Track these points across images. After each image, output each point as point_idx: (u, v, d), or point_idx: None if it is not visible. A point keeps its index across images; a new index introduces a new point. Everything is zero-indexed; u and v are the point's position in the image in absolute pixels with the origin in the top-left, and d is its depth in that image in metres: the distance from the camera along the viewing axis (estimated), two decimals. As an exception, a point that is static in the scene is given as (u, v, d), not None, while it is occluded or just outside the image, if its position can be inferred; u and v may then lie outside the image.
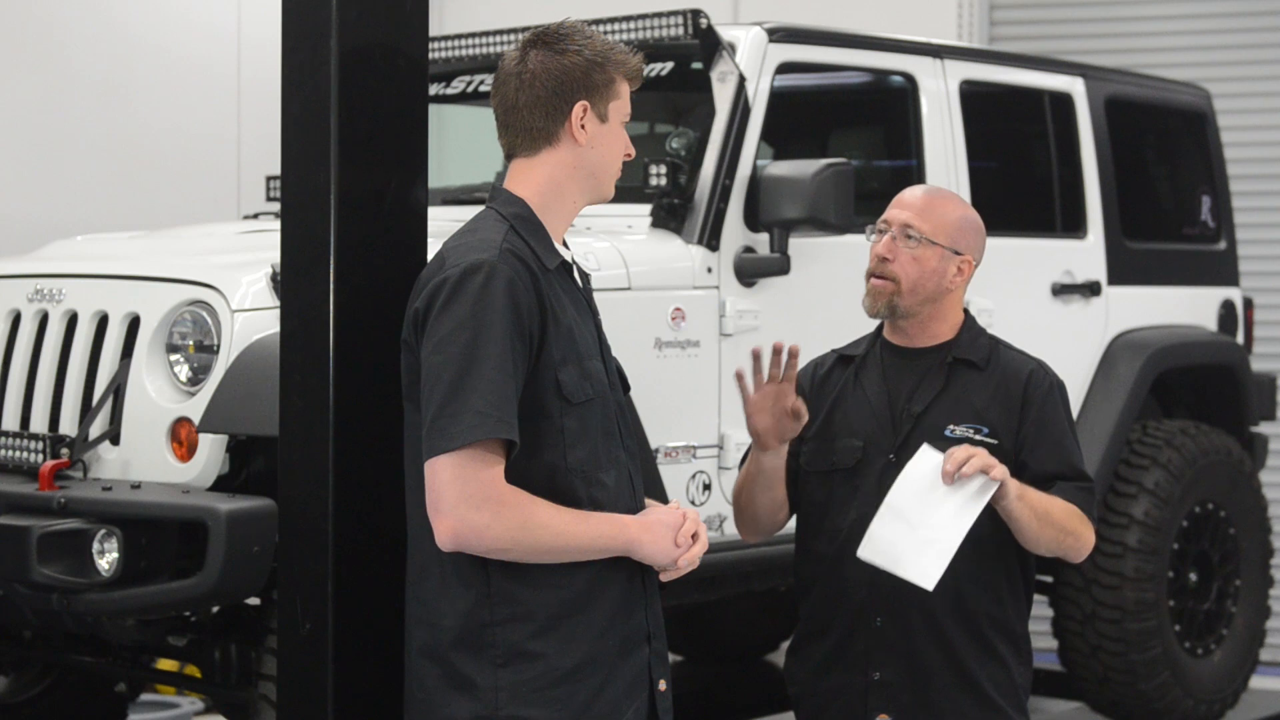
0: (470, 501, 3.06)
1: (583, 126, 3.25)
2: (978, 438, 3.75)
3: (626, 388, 3.43)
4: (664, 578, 3.31)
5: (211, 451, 4.41)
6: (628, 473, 3.29)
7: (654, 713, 3.28)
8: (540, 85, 3.24)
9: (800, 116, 6.01)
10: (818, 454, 3.85)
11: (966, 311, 3.91)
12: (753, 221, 5.22)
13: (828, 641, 3.81)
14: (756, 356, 3.67)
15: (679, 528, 3.25)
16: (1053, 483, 3.76)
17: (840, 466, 3.81)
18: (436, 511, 3.10)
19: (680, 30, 5.25)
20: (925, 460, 3.62)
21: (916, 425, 3.77)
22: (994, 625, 3.77)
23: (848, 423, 3.83)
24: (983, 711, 3.75)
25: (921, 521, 3.58)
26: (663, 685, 3.29)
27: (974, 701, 3.75)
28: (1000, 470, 3.58)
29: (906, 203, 3.86)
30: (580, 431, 3.20)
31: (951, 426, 3.76)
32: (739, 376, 3.69)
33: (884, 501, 3.63)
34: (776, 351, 3.64)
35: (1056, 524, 3.70)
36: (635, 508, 3.29)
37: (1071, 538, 3.73)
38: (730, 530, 5.15)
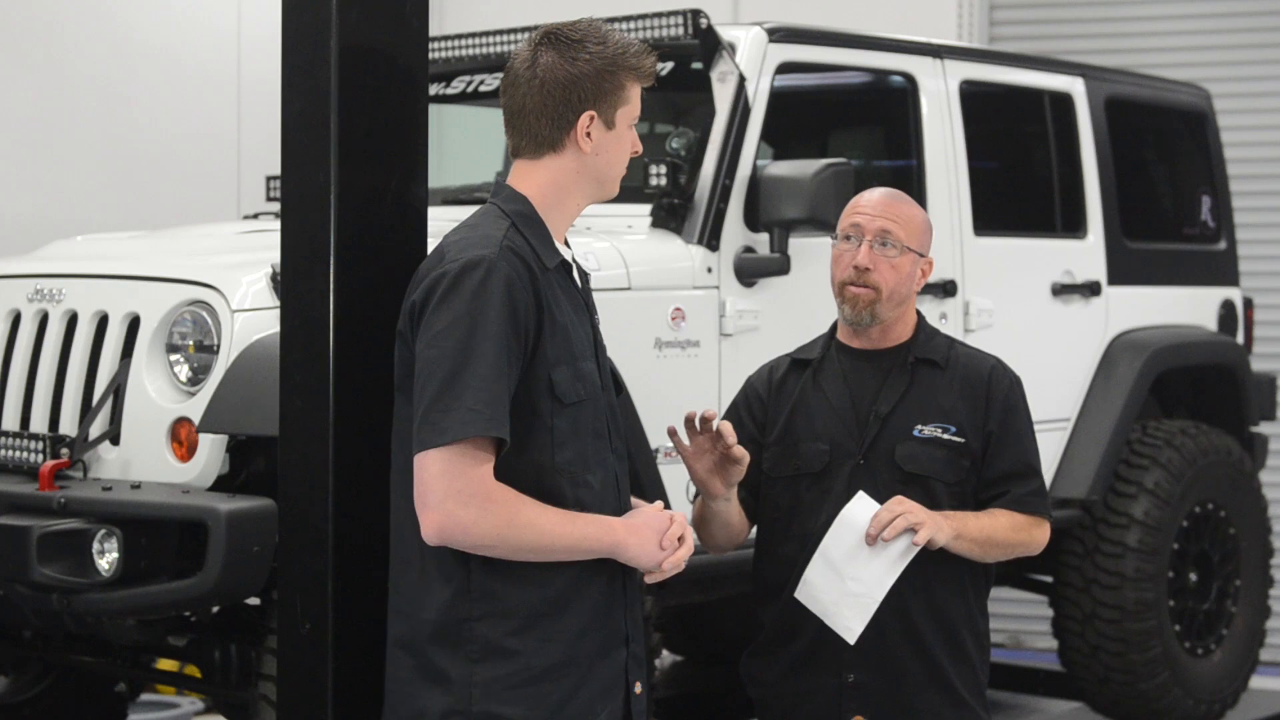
0: (458, 497, 3.06)
1: (588, 135, 3.24)
2: (945, 436, 3.78)
3: (620, 389, 3.42)
4: (648, 580, 3.31)
5: (211, 451, 4.41)
6: (614, 475, 3.29)
7: (629, 715, 3.27)
8: (548, 93, 3.21)
9: (800, 116, 6.01)
10: (781, 459, 3.86)
11: (918, 311, 3.94)
12: (753, 221, 5.21)
13: (798, 644, 3.81)
14: (689, 421, 3.61)
15: (665, 531, 3.25)
16: (1006, 485, 3.80)
17: (806, 471, 3.82)
18: (423, 505, 3.09)
19: (680, 30, 5.25)
20: (860, 510, 3.68)
21: (884, 426, 3.79)
22: (962, 622, 3.80)
23: (811, 426, 3.84)
24: (955, 710, 3.79)
25: (850, 575, 3.67)
26: (638, 688, 3.28)
27: (946, 700, 3.78)
28: (925, 533, 3.63)
29: (876, 208, 3.83)
30: (570, 432, 3.19)
31: (919, 426, 3.79)
32: (671, 433, 3.64)
33: (819, 548, 3.68)
34: (689, 422, 3.60)
35: (1001, 543, 3.78)
36: (620, 510, 3.28)
37: (1020, 547, 3.82)
38: (730, 530, 5.14)
